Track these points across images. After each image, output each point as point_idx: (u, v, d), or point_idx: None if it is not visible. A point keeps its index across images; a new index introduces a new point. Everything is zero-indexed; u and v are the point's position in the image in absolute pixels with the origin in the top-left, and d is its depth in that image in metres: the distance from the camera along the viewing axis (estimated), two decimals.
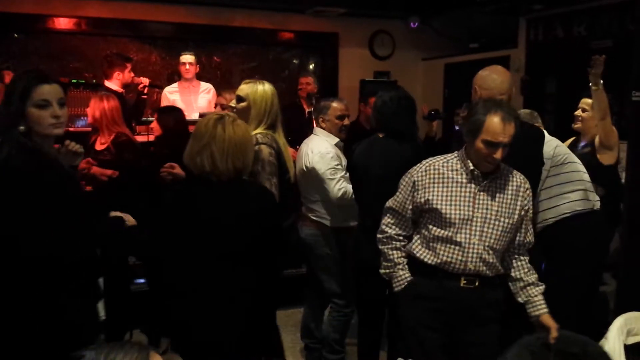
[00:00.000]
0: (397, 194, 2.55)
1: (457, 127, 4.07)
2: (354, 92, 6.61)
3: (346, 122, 3.58)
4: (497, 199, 2.41)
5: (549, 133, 3.35)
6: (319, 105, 3.65)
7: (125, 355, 1.30)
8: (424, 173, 2.47)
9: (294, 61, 7.33)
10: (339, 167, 3.41)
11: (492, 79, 2.83)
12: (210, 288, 2.28)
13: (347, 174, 3.37)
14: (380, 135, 3.18)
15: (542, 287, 2.49)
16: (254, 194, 2.38)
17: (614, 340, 2.37)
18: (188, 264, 2.30)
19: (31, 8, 5.79)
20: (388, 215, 2.60)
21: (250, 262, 2.30)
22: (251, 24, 6.68)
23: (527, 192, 2.49)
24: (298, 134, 5.21)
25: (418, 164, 2.52)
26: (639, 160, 3.16)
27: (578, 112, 3.79)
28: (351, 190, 3.29)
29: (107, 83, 5.00)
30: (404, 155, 2.99)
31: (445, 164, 2.47)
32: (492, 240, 2.40)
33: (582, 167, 3.30)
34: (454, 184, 2.42)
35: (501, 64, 2.97)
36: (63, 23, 6.00)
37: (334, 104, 3.56)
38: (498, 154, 2.31)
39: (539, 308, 2.44)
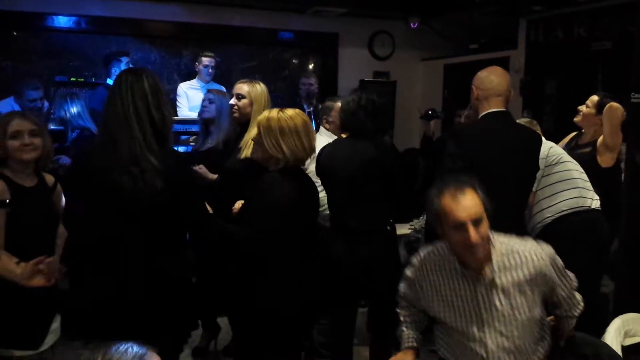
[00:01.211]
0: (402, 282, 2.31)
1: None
2: None
3: None
4: (506, 293, 2.00)
5: (549, 134, 3.37)
6: (323, 105, 3.59)
7: (123, 354, 1.31)
8: (418, 271, 2.17)
9: (294, 61, 7.34)
10: None
11: (490, 80, 2.84)
12: (299, 263, 2.53)
13: None
14: (344, 136, 3.19)
15: None
16: (310, 179, 2.70)
17: (612, 342, 2.37)
18: (285, 242, 2.49)
19: (31, 6, 5.77)
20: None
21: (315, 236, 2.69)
22: (251, 24, 6.67)
23: (546, 267, 2.02)
24: None
25: (413, 258, 2.23)
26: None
27: (581, 107, 3.81)
28: None
29: (109, 81, 5.00)
30: (365, 154, 3.02)
31: (439, 261, 2.11)
32: (516, 341, 2.00)
33: (577, 167, 3.32)
34: (453, 286, 2.06)
35: (501, 64, 2.98)
36: (63, 21, 5.99)
37: (338, 104, 3.49)
38: (472, 236, 1.91)
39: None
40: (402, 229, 3.92)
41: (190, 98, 5.63)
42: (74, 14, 6.00)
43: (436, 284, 2.09)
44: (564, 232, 3.20)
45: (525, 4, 5.82)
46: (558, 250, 3.15)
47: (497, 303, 2.00)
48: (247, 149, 3.04)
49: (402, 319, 2.31)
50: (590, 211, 3.25)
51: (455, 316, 2.05)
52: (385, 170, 3.05)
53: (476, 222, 1.92)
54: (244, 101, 3.18)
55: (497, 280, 2.00)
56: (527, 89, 5.98)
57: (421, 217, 4.03)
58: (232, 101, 3.27)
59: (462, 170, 2.68)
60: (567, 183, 3.24)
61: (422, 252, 2.19)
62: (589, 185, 3.31)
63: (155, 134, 2.18)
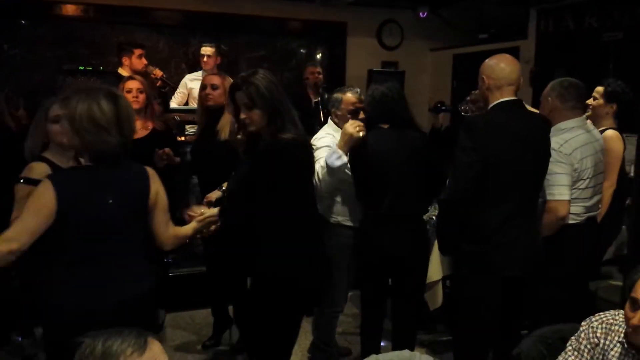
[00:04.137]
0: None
1: (463, 113, 3.98)
2: (362, 81, 6.59)
3: (361, 116, 3.29)
4: None
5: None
6: (332, 97, 3.47)
7: (123, 342, 1.31)
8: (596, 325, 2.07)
9: (302, 50, 7.31)
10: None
11: (501, 68, 2.75)
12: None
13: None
14: (385, 126, 3.12)
15: None
16: None
17: None
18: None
19: None
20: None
21: None
22: (259, 13, 6.65)
23: None
24: (304, 124, 5.20)
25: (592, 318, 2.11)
26: None
27: (590, 101, 3.75)
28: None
29: (120, 70, 5.00)
30: (414, 144, 3.06)
31: (612, 326, 2.02)
32: None
33: (594, 182, 3.13)
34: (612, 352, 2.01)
35: (511, 55, 2.93)
36: (71, 10, 5.99)
37: (347, 96, 3.36)
38: (636, 319, 1.81)
39: None
40: None
41: (191, 89, 5.66)
42: (82, 2, 6.00)
43: (603, 347, 2.03)
44: (548, 240, 3.04)
45: None
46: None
47: None
48: (224, 131, 3.44)
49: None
50: (575, 226, 3.10)
51: None
52: (428, 157, 3.13)
53: None
54: (219, 91, 3.55)
55: None
56: (537, 79, 5.93)
57: (430, 208, 4.01)
58: (208, 90, 3.60)
59: (477, 164, 2.65)
60: (572, 200, 3.05)
61: (602, 314, 2.11)
62: (595, 198, 3.18)
63: None
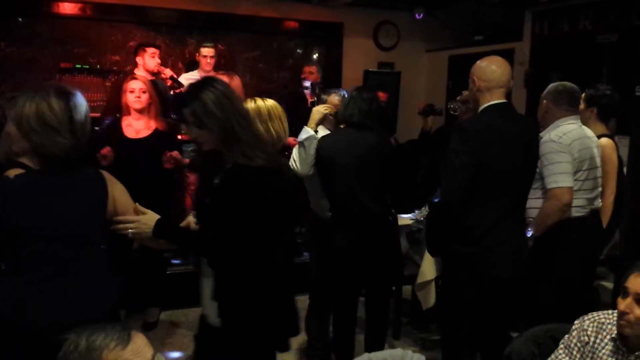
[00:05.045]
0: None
1: (452, 112, 3.97)
2: (358, 82, 6.62)
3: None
4: None
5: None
6: (320, 99, 3.60)
7: (107, 336, 1.34)
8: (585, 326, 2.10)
9: (298, 50, 7.32)
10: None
11: (492, 70, 2.75)
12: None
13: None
14: (341, 126, 3.24)
15: None
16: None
17: None
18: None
19: None
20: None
21: None
22: (256, 12, 6.66)
23: None
24: (300, 123, 5.22)
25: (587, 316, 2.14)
26: None
27: None
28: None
29: (136, 71, 5.02)
30: (366, 140, 3.12)
31: (603, 324, 2.06)
32: None
33: (592, 174, 3.14)
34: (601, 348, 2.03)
35: (506, 56, 2.94)
36: (68, 8, 5.98)
37: (331, 97, 3.49)
38: (624, 305, 1.91)
39: None
40: (405, 220, 3.94)
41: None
42: (79, 0, 5.99)
43: (593, 345, 2.06)
44: (547, 237, 3.06)
45: None
46: (547, 254, 3.09)
47: None
48: None
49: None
50: (580, 218, 3.10)
51: None
52: (385, 158, 3.13)
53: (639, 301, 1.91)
54: None
55: None
56: (531, 81, 5.96)
57: (423, 209, 4.03)
58: None
59: (470, 168, 2.65)
60: (575, 192, 3.04)
61: (595, 313, 2.13)
62: (596, 191, 3.19)
63: None
